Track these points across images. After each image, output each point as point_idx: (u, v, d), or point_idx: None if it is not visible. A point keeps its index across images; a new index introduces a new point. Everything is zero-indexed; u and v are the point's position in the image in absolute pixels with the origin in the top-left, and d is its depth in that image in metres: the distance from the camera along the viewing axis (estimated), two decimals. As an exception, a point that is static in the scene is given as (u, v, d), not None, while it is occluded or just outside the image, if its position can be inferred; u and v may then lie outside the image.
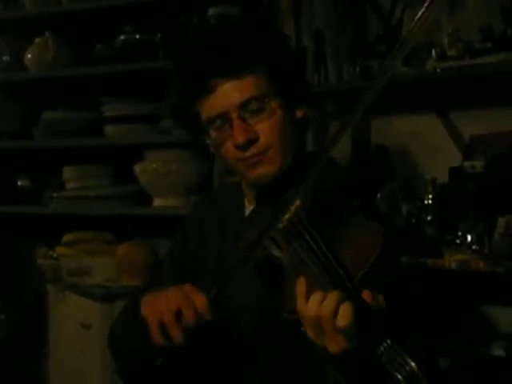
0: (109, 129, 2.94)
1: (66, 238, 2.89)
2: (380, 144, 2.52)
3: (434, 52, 2.30)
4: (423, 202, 2.27)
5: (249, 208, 1.48)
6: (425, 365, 1.05)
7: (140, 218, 2.92)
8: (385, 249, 1.18)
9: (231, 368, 1.44)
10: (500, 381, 2.15)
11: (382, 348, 1.07)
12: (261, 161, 1.37)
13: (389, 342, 1.07)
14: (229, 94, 1.35)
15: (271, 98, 1.37)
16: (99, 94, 2.99)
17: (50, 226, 3.01)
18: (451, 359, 2.16)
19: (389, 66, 1.26)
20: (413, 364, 1.05)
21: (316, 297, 1.14)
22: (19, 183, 3.17)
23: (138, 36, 2.87)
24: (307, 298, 1.15)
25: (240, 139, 1.34)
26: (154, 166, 2.77)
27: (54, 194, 3.03)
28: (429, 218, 2.24)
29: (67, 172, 3.05)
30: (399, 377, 1.05)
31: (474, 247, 2.13)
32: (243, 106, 1.35)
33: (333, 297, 1.12)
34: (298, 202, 1.27)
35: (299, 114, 1.43)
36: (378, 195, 2.23)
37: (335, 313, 1.11)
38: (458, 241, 2.17)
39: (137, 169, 2.82)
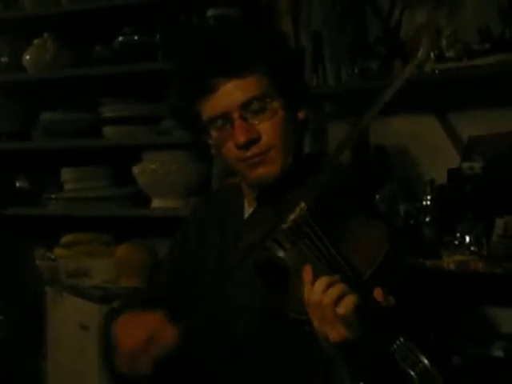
0: (108, 130, 2.94)
1: (65, 239, 2.89)
2: (379, 145, 2.52)
3: (432, 53, 2.30)
4: (422, 202, 2.28)
5: (248, 209, 1.48)
6: (438, 362, 1.05)
7: (139, 219, 2.92)
8: (392, 247, 1.19)
9: (230, 368, 1.44)
10: (499, 381, 2.15)
11: (395, 346, 1.07)
12: (262, 161, 1.37)
13: (402, 339, 1.07)
14: (230, 93, 1.35)
15: (273, 98, 1.37)
16: (98, 94, 2.99)
17: (48, 227, 3.01)
18: (450, 360, 2.16)
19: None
20: (426, 361, 1.05)
21: (322, 281, 1.16)
22: (18, 184, 3.17)
23: (136, 37, 2.87)
24: (313, 284, 1.17)
25: (241, 139, 1.34)
26: (153, 167, 2.77)
27: (53, 195, 3.02)
28: (427, 219, 2.24)
29: (66, 173, 3.04)
30: (413, 374, 1.05)
31: (472, 248, 2.13)
32: (245, 105, 1.35)
33: (338, 286, 1.14)
34: (302, 203, 1.27)
35: (301, 115, 1.43)
36: (377, 196, 2.23)
37: (337, 301, 1.13)
38: (456, 242, 2.17)
39: (135, 170, 2.82)
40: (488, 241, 2.11)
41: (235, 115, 1.35)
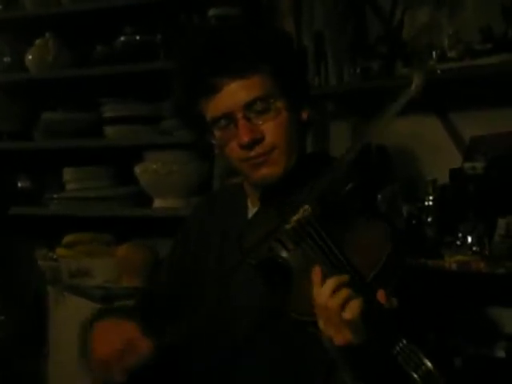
0: (109, 130, 2.94)
1: (66, 239, 2.90)
2: (380, 145, 2.52)
3: (434, 53, 2.30)
4: (423, 203, 2.27)
5: (252, 209, 1.48)
6: (439, 363, 1.05)
7: (140, 219, 2.92)
8: (394, 248, 1.18)
9: (231, 368, 1.43)
10: (501, 382, 2.15)
11: (397, 348, 1.07)
12: (266, 161, 1.37)
13: (404, 341, 1.07)
14: (234, 93, 1.35)
15: (276, 99, 1.37)
16: (99, 94, 2.99)
17: (49, 227, 3.01)
18: (452, 361, 2.16)
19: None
20: (429, 364, 1.05)
21: (329, 284, 1.15)
22: (19, 184, 3.17)
23: (138, 37, 2.87)
24: (322, 285, 1.17)
25: (245, 139, 1.34)
26: (155, 166, 2.77)
27: (54, 195, 3.02)
28: (429, 219, 2.24)
29: (67, 173, 3.04)
30: (416, 376, 1.05)
31: (474, 248, 2.13)
32: (248, 106, 1.35)
33: (344, 290, 1.14)
34: (305, 203, 1.27)
35: (304, 115, 1.43)
36: (379, 196, 2.23)
37: (343, 305, 1.12)
38: (458, 242, 2.17)
39: (137, 170, 2.82)
40: (490, 241, 2.11)
41: (239, 115, 1.35)
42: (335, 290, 1.14)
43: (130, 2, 2.82)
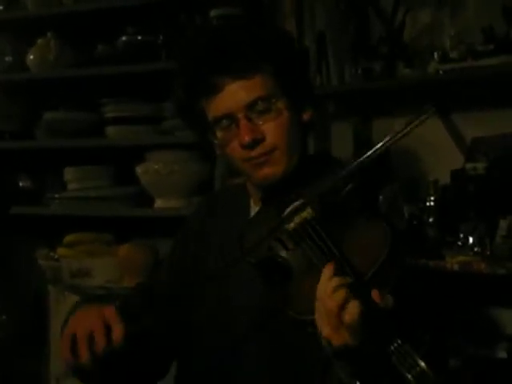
0: (110, 130, 2.94)
1: (67, 239, 2.90)
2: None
3: (436, 54, 2.30)
4: (425, 203, 2.28)
5: (254, 208, 1.48)
6: (435, 365, 1.05)
7: (141, 218, 2.92)
8: (393, 247, 1.18)
9: (230, 367, 1.43)
10: (502, 383, 2.15)
11: (392, 348, 1.06)
12: (267, 161, 1.37)
13: (399, 341, 1.06)
14: (236, 94, 1.35)
15: (278, 99, 1.37)
16: (101, 94, 2.99)
17: (50, 226, 3.01)
18: (453, 361, 2.16)
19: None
20: (423, 364, 1.05)
21: (334, 282, 1.15)
22: (20, 184, 3.17)
23: (139, 37, 2.87)
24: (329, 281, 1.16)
25: (246, 138, 1.34)
26: (156, 167, 2.77)
27: (56, 195, 3.02)
28: (430, 219, 2.24)
29: (68, 173, 3.04)
30: (409, 377, 1.05)
31: (475, 249, 2.13)
32: (250, 106, 1.35)
33: (342, 291, 1.13)
34: (306, 203, 1.27)
35: (306, 116, 1.43)
36: (380, 197, 2.23)
37: (342, 306, 1.12)
38: (459, 242, 2.17)
39: (138, 170, 2.82)
40: (491, 241, 2.11)
41: (240, 115, 1.35)
42: (335, 290, 1.14)
43: (132, 3, 2.82)
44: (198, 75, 1.38)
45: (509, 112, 2.35)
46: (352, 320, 1.11)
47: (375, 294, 1.13)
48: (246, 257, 1.31)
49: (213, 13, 2.64)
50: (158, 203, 2.81)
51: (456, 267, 2.12)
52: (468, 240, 2.15)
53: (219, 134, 1.39)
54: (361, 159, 1.26)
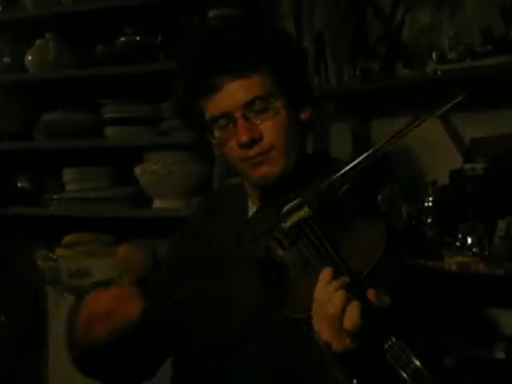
0: (109, 130, 2.94)
1: (66, 239, 2.89)
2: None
3: (434, 54, 2.30)
4: (423, 204, 2.28)
5: (253, 208, 1.48)
6: (430, 363, 1.05)
7: (140, 219, 2.91)
8: (389, 248, 1.18)
9: (227, 367, 1.43)
10: (500, 383, 2.15)
11: (387, 346, 1.06)
12: (264, 160, 1.37)
13: (394, 340, 1.06)
14: (234, 93, 1.35)
15: (276, 98, 1.37)
16: (100, 95, 2.99)
17: (49, 227, 3.01)
18: (448, 359, 2.16)
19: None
20: (418, 362, 1.05)
21: (334, 285, 1.15)
22: (19, 184, 3.17)
23: (138, 38, 2.87)
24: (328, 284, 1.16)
25: (244, 138, 1.35)
26: (155, 167, 2.77)
27: (54, 196, 3.02)
28: (429, 220, 2.25)
29: (67, 173, 3.04)
30: (404, 375, 1.05)
31: (474, 249, 2.13)
32: (248, 105, 1.35)
33: (341, 293, 1.13)
34: (303, 203, 1.27)
35: (304, 116, 1.43)
36: (379, 197, 2.23)
37: (343, 311, 1.12)
38: (458, 243, 2.17)
39: (137, 170, 2.82)
40: (490, 242, 2.11)
41: (238, 115, 1.35)
42: (333, 294, 1.14)
43: (131, 3, 2.82)
44: (197, 75, 1.38)
45: (507, 112, 2.36)
46: (353, 325, 1.11)
47: (371, 293, 1.13)
48: (244, 256, 1.31)
49: (211, 13, 2.64)
50: (157, 204, 2.81)
51: (454, 268, 2.12)
52: (466, 240, 2.15)
53: (217, 133, 1.39)
54: (365, 155, 1.27)
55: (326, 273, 1.17)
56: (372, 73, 2.44)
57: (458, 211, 2.21)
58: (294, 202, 1.30)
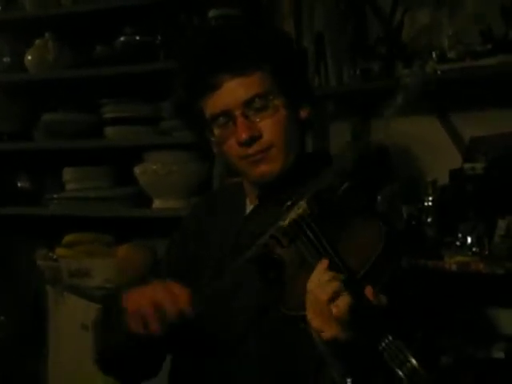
0: (109, 130, 2.94)
1: (66, 239, 2.89)
2: (380, 145, 2.52)
3: (434, 54, 2.30)
4: (423, 203, 2.28)
5: (250, 207, 1.48)
6: (426, 362, 1.05)
7: (140, 219, 2.92)
8: (387, 247, 1.18)
9: (227, 367, 1.43)
10: (500, 383, 2.15)
11: (383, 344, 1.07)
12: (263, 158, 1.37)
13: (390, 338, 1.07)
14: (233, 91, 1.36)
15: (275, 96, 1.37)
16: (99, 95, 2.99)
17: (49, 227, 3.01)
18: (445, 358, 2.16)
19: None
20: (414, 361, 1.05)
21: (326, 275, 1.15)
22: (19, 184, 3.17)
23: (138, 37, 2.87)
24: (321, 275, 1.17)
25: (243, 135, 1.35)
26: (154, 167, 2.77)
27: (54, 196, 3.02)
28: (429, 219, 2.24)
29: (67, 173, 3.05)
30: (400, 373, 1.05)
31: (474, 249, 2.13)
32: (247, 103, 1.36)
33: (333, 284, 1.13)
34: (302, 201, 1.28)
35: (303, 114, 1.43)
36: (379, 197, 2.23)
37: (333, 299, 1.12)
38: (458, 242, 2.17)
39: (137, 170, 2.82)
40: (490, 241, 2.11)
41: (237, 112, 1.36)
42: (327, 283, 1.14)
43: (130, 3, 2.82)
44: (198, 74, 1.38)
45: (507, 112, 2.36)
46: (340, 313, 1.11)
47: (369, 291, 1.13)
48: (243, 255, 1.31)
49: (211, 13, 2.64)
50: (157, 203, 2.82)
51: (454, 267, 2.12)
52: (466, 240, 2.15)
53: (216, 131, 1.39)
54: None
55: (323, 262, 1.18)
56: (372, 73, 2.44)
57: (458, 211, 2.21)
58: (293, 200, 1.30)
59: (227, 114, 1.37)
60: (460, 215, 2.19)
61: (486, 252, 2.10)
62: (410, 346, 1.06)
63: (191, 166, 2.76)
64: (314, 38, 2.61)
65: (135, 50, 2.86)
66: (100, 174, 3.04)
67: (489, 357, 2.21)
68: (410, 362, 1.05)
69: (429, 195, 2.27)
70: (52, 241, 2.94)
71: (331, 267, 1.17)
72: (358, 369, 1.16)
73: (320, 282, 1.15)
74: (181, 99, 1.44)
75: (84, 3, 2.94)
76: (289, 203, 1.30)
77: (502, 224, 2.09)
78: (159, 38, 2.83)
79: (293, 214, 1.28)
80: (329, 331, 1.14)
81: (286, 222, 1.28)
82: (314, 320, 1.15)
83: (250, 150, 1.36)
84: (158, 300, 1.29)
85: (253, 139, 1.36)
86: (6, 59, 3.16)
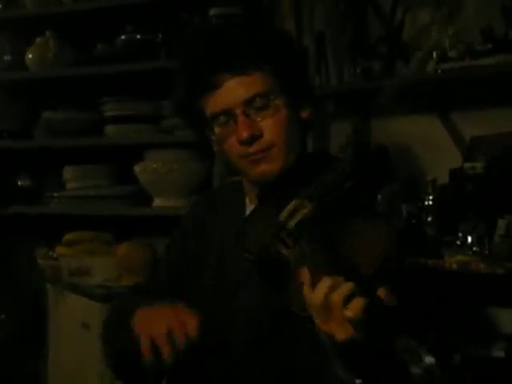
0: (109, 128, 2.94)
1: (66, 237, 2.90)
2: (380, 144, 2.52)
3: (434, 53, 2.30)
4: (423, 202, 2.27)
5: (250, 206, 1.48)
6: (439, 361, 1.05)
7: (140, 218, 2.92)
8: (392, 247, 1.18)
9: (227, 367, 1.43)
10: (500, 382, 2.15)
11: (397, 344, 1.07)
12: (264, 158, 1.37)
13: (404, 338, 1.07)
14: (234, 90, 1.35)
15: (276, 96, 1.37)
16: (100, 93, 3.00)
17: (49, 225, 3.01)
18: (457, 357, 2.16)
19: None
20: (429, 359, 1.05)
21: (326, 281, 1.14)
22: (19, 183, 3.17)
23: (138, 36, 2.87)
24: (313, 286, 1.16)
25: (244, 134, 1.34)
26: (155, 166, 2.77)
27: (55, 194, 3.03)
28: (429, 218, 2.24)
29: (67, 172, 3.05)
30: (415, 372, 1.05)
31: (474, 248, 2.13)
32: (248, 102, 1.35)
33: (347, 286, 1.13)
34: (306, 202, 1.27)
35: (304, 114, 1.43)
36: (379, 196, 2.23)
37: (346, 301, 1.12)
38: (458, 242, 2.17)
39: (137, 169, 2.82)
40: (490, 241, 2.11)
41: (238, 111, 1.35)
42: (339, 285, 1.14)
43: (131, 1, 2.82)
44: (198, 73, 1.38)
45: (508, 111, 2.35)
46: (355, 315, 1.10)
47: (381, 292, 1.13)
48: (247, 255, 1.31)
49: (212, 12, 2.64)
50: (157, 202, 2.82)
51: (455, 267, 2.12)
52: (467, 239, 2.15)
53: (217, 129, 1.39)
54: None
55: (304, 275, 1.18)
56: (372, 72, 2.44)
57: (458, 210, 2.21)
58: (297, 200, 1.30)
59: (228, 113, 1.36)
60: (460, 214, 2.19)
61: (486, 251, 2.10)
62: (423, 345, 1.06)
63: (191, 165, 2.77)
64: (315, 37, 2.62)
65: (136, 48, 2.86)
66: (100, 173, 3.04)
67: (489, 356, 2.21)
68: (423, 361, 1.05)
69: (429, 194, 2.27)
70: (52, 239, 2.95)
71: (340, 268, 1.17)
72: (368, 370, 1.16)
73: (333, 284, 1.14)
74: (181, 98, 1.44)
75: (85, 1, 2.95)
76: (293, 203, 1.29)
77: (502, 223, 2.09)
78: (160, 36, 2.83)
79: (298, 214, 1.27)
80: (342, 334, 1.13)
81: (291, 222, 1.28)
82: (325, 324, 1.15)
83: (251, 149, 1.36)
84: (170, 328, 1.31)
85: (253, 138, 1.35)
86: (6, 57, 3.16)
